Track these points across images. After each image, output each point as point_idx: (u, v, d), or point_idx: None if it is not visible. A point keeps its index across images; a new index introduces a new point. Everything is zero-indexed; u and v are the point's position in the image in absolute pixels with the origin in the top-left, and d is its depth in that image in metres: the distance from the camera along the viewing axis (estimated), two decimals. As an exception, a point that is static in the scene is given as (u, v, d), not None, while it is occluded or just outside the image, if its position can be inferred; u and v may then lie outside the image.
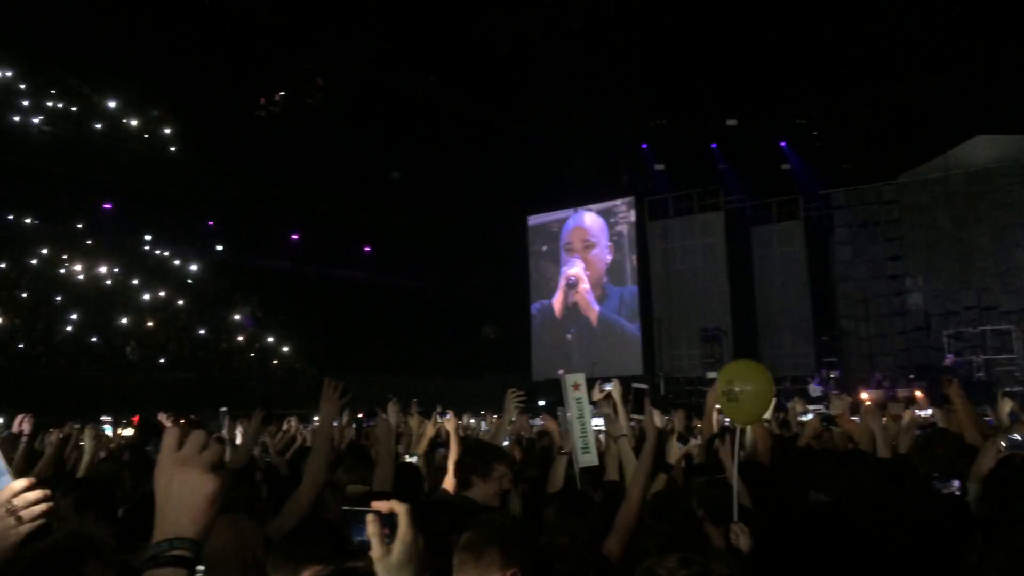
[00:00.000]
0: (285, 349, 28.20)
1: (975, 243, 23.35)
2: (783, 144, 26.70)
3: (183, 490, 1.32)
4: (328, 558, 2.31)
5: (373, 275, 34.40)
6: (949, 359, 20.96)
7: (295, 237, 33.47)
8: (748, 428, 5.67)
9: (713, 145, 27.37)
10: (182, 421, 4.98)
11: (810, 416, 8.86)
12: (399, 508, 1.66)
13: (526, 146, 29.15)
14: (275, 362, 27.54)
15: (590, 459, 5.11)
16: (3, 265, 25.29)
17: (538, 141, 29.48)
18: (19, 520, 1.43)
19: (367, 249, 35.09)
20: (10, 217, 27.13)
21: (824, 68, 23.66)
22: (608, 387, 6.30)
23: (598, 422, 5.57)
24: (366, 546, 1.66)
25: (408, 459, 5.92)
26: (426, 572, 1.72)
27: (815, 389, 20.94)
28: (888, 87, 24.03)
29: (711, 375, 22.48)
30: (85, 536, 2.10)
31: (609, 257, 28.48)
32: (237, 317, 28.44)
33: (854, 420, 6.41)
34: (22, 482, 1.47)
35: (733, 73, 24.33)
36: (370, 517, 1.64)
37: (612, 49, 24.41)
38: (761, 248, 26.85)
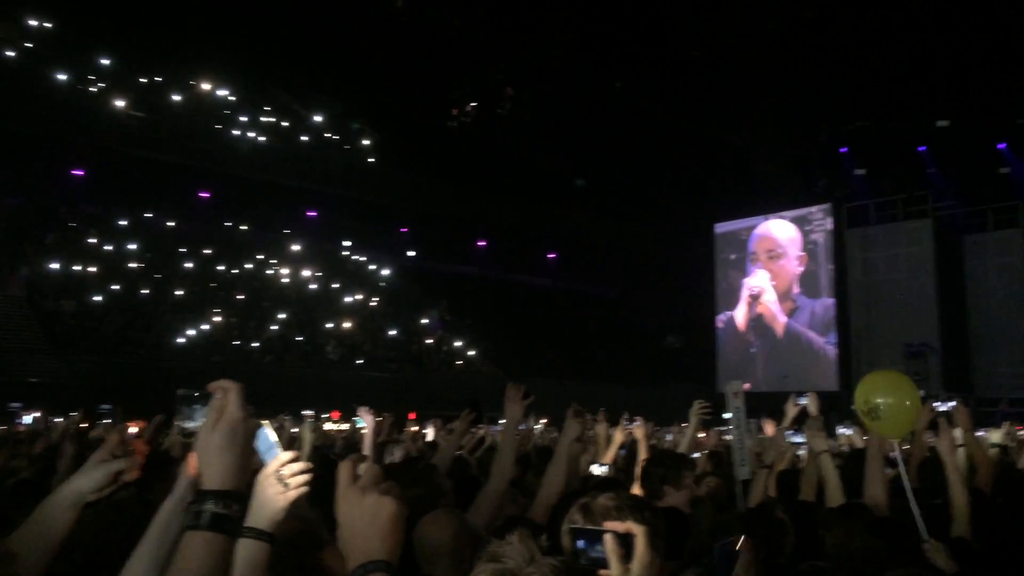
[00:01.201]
0: (471, 352, 29.02)
1: None
2: (1002, 146, 24.54)
3: (366, 516, 1.37)
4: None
5: (557, 281, 34.79)
6: None
7: (482, 244, 34.42)
8: (961, 451, 5.22)
9: (921, 148, 25.55)
10: (379, 418, 5.23)
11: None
12: (637, 529, 1.66)
13: (716, 151, 28.49)
14: (461, 363, 28.39)
15: (743, 473, 4.87)
16: (222, 268, 27.65)
17: (729, 146, 28.73)
18: (286, 487, 1.57)
19: (551, 255, 35.53)
20: (228, 224, 29.63)
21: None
22: (803, 401, 5.97)
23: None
24: (596, 564, 1.66)
25: (596, 469, 5.85)
26: None
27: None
28: None
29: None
30: (319, 521, 2.22)
31: (799, 267, 27.19)
32: (426, 320, 29.60)
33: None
34: (289, 454, 1.61)
35: (944, 71, 22.62)
36: (608, 536, 1.64)
37: (810, 49, 23.33)
38: (975, 259, 24.77)
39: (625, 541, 1.64)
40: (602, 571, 1.62)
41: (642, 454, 5.10)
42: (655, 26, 23.78)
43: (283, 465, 1.60)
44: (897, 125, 25.45)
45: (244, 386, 1.47)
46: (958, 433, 5.66)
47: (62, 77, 26.87)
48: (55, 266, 23.93)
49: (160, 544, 1.74)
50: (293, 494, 1.60)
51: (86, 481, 1.94)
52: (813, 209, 27.34)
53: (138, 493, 2.42)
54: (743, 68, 24.75)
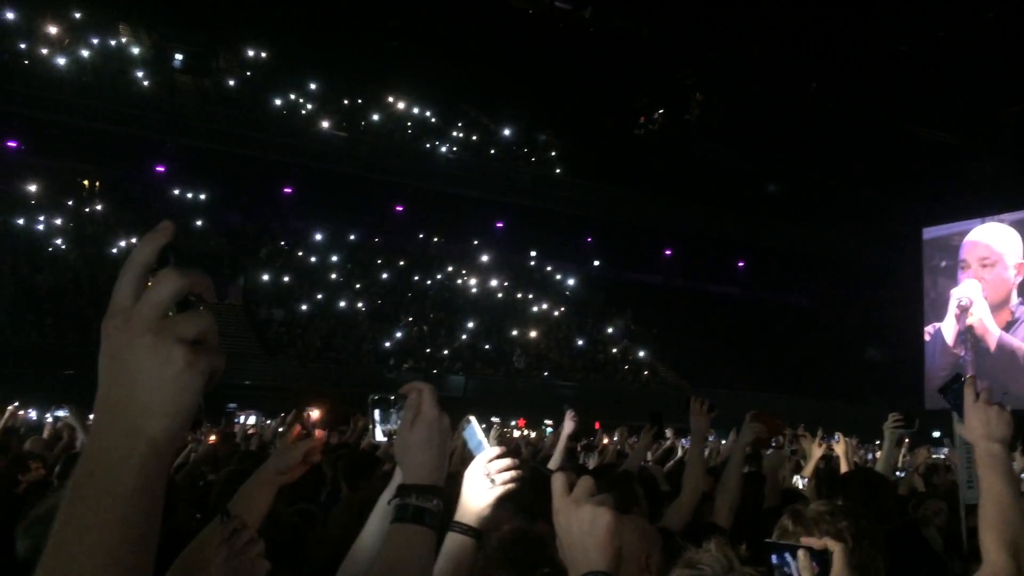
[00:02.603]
0: (657, 362, 28.69)
1: None
2: None
3: (582, 527, 1.38)
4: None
5: (746, 290, 33.74)
6: None
7: (668, 252, 33.97)
8: None
9: None
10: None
11: None
12: (834, 546, 1.65)
13: (924, 150, 26.63)
14: (646, 373, 28.11)
15: (972, 496, 4.33)
16: (415, 278, 28.95)
17: (939, 144, 26.75)
18: (492, 483, 1.66)
19: (741, 263, 34.50)
20: (421, 236, 30.99)
21: None
22: None
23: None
24: None
25: (800, 483, 5.66)
26: None
27: None
28: None
29: None
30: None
31: (1018, 276, 24.80)
32: (611, 330, 29.55)
33: None
34: (496, 450, 1.70)
35: None
36: (801, 553, 1.63)
37: (1028, 36, 21.32)
38: None
39: (822, 558, 1.57)
40: None
41: (844, 471, 4.84)
42: (855, 22, 22.56)
43: (490, 461, 1.66)
44: None
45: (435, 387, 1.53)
46: None
47: (276, 102, 29.25)
48: (267, 277, 25.96)
49: (380, 533, 1.86)
50: (500, 490, 1.66)
51: (277, 462, 2.12)
52: (1036, 210, 24.93)
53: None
54: (952, 61, 22.97)
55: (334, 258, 28.22)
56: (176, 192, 27.67)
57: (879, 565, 1.85)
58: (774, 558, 1.66)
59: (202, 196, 27.69)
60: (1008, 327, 24.87)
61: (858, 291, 29.94)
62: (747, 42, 24.34)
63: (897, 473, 7.20)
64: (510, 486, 1.67)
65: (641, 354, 28.86)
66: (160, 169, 27.64)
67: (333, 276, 27.42)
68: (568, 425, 5.04)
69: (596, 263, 33.25)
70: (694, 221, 32.04)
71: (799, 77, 25.91)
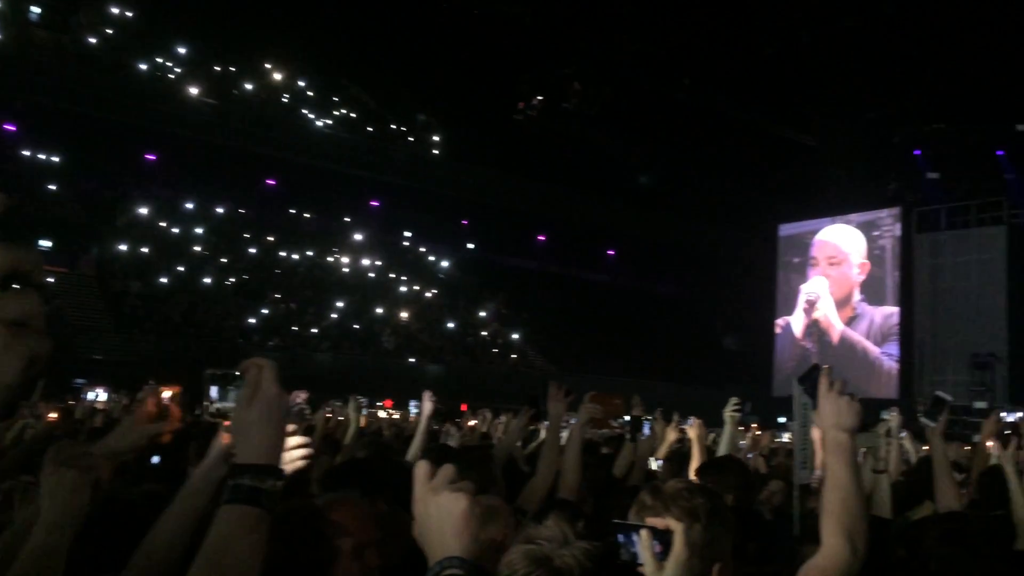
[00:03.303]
0: (527, 346, 29.08)
1: None
2: (1086, 152, 23.56)
3: (440, 513, 1.39)
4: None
5: (616, 278, 34.61)
6: None
7: (542, 238, 34.42)
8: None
9: (999, 152, 24.68)
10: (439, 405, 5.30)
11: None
12: (676, 526, 1.66)
13: (785, 151, 27.95)
14: (515, 357, 28.46)
15: (806, 476, 4.55)
16: (283, 254, 28.21)
17: (799, 146, 28.15)
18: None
19: (611, 252, 35.35)
20: (292, 212, 30.19)
21: None
22: (887, 415, 5.81)
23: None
24: (634, 560, 1.66)
25: (652, 464, 5.85)
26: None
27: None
28: None
29: (979, 405, 20.47)
30: None
31: (860, 276, 26.51)
32: (483, 313, 29.74)
33: None
34: (290, 427, 1.68)
35: (1026, 72, 21.80)
36: (643, 532, 1.65)
37: (886, 48, 22.72)
38: (1051, 268, 23.87)
39: (663, 538, 1.62)
40: (639, 568, 1.62)
41: (695, 455, 5.04)
42: (727, 22, 23.42)
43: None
44: (975, 128, 24.64)
45: (278, 365, 1.49)
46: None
47: (141, 65, 27.72)
48: (124, 248, 24.68)
49: (188, 509, 1.79)
50: (290, 467, 1.65)
51: (119, 441, 2.02)
52: (882, 213, 26.68)
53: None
54: (816, 67, 24.20)
55: (198, 230, 27.10)
56: (27, 153, 25.85)
57: (726, 543, 1.92)
58: (620, 537, 1.69)
59: (56, 159, 25.97)
60: (850, 322, 26.58)
61: (720, 282, 31.22)
62: (626, 35, 24.87)
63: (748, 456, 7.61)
64: (301, 463, 1.67)
65: (512, 338, 29.19)
66: (10, 128, 25.80)
67: (197, 249, 26.35)
68: (427, 406, 5.04)
69: (470, 246, 33.33)
70: (568, 208, 32.55)
71: (674, 72, 26.69)
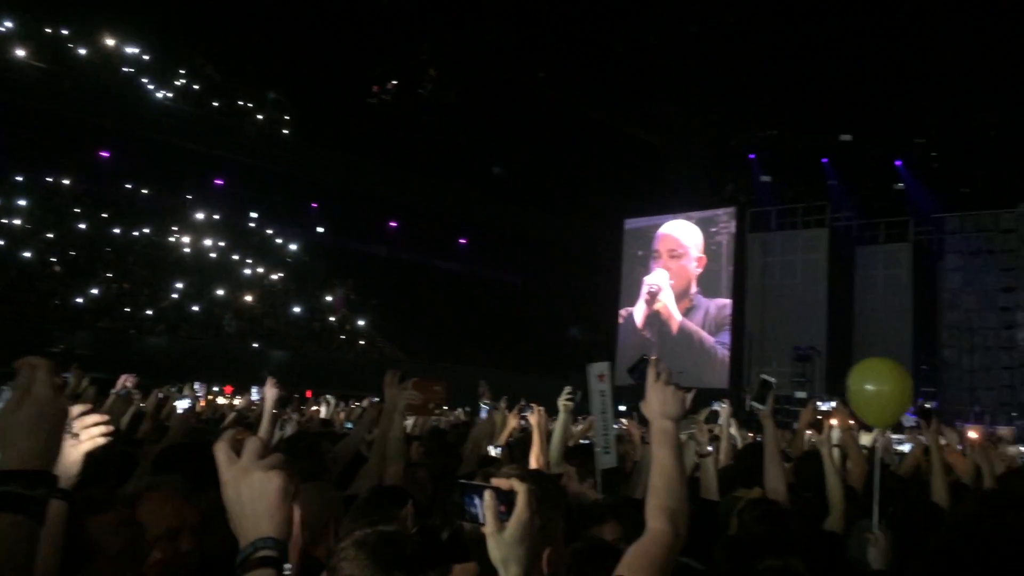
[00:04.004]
0: (375, 334, 28.76)
1: (1100, 281, 21.99)
2: (898, 163, 25.69)
3: (251, 494, 1.34)
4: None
5: (467, 267, 34.76)
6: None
7: (393, 224, 34.09)
8: (835, 449, 5.47)
9: (824, 160, 26.52)
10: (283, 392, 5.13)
11: (910, 446, 8.51)
12: (519, 487, 1.66)
13: (632, 148, 28.92)
14: (363, 344, 28.09)
15: (609, 460, 4.66)
16: (117, 231, 26.57)
17: (644, 144, 29.20)
18: (76, 437, 1.63)
19: (462, 241, 35.47)
20: (128, 186, 28.49)
21: (948, 86, 22.60)
22: (719, 406, 6.13)
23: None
24: (474, 520, 1.66)
25: (492, 451, 5.93)
26: (542, 551, 1.70)
27: (909, 419, 20.03)
28: (1016, 109, 22.80)
29: (800, 395, 21.88)
30: None
31: (698, 268, 27.90)
32: (330, 298, 29.16)
33: (959, 452, 6.11)
34: (81, 407, 1.66)
35: (851, 87, 23.52)
36: (488, 492, 1.64)
37: (728, 55, 23.91)
38: (865, 269, 25.89)
39: (507, 499, 1.64)
40: (482, 527, 1.63)
41: (535, 442, 5.16)
42: (581, 19, 23.93)
43: (77, 417, 1.63)
44: (803, 136, 26.37)
45: (55, 363, 1.40)
46: (836, 432, 5.94)
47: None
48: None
49: None
50: (87, 445, 1.64)
51: None
52: (719, 212, 28.07)
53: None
54: (663, 68, 25.16)
55: (22, 202, 25.09)
56: None
57: (558, 528, 1.97)
58: (465, 500, 1.69)
59: None
60: (687, 313, 27.87)
61: (568, 273, 31.95)
62: (483, 25, 24.96)
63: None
64: (99, 441, 1.64)
65: (360, 324, 28.78)
66: None
67: (18, 222, 24.40)
68: (270, 392, 4.92)
69: (320, 230, 32.58)
70: (421, 195, 32.37)
71: (529, 65, 27.06)
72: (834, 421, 6.07)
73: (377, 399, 5.38)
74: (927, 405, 21.64)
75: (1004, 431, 18.10)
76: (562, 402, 5.54)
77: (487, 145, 30.78)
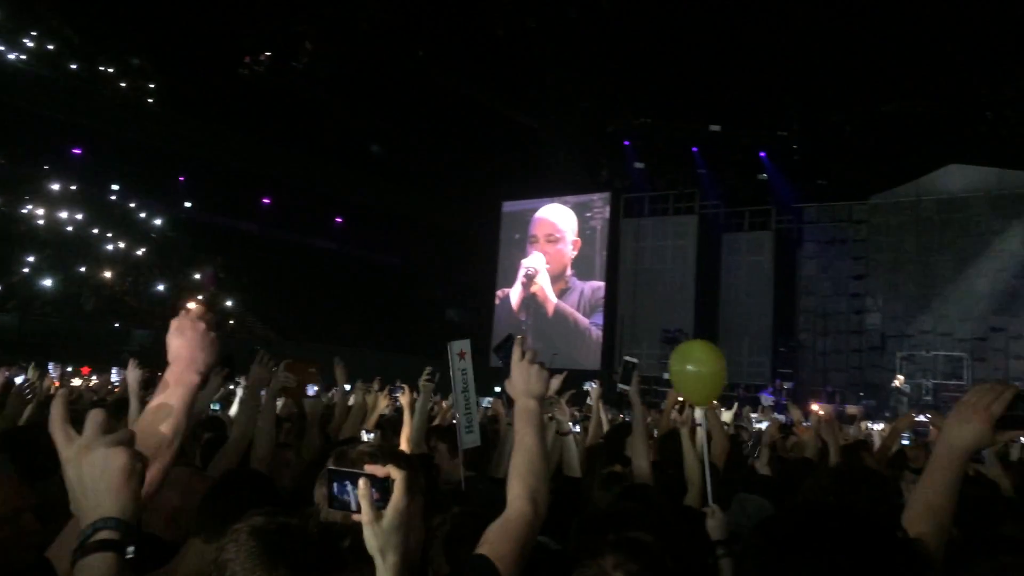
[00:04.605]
0: (245, 313, 27.91)
1: (938, 269, 23.72)
2: (762, 155, 26.85)
3: (93, 472, 1.28)
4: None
5: (342, 246, 34.16)
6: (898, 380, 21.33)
7: (266, 201, 33.08)
8: (700, 431, 5.70)
9: (694, 149, 27.44)
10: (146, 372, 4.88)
11: (766, 424, 8.94)
12: (396, 474, 1.62)
13: (510, 131, 29.03)
14: (232, 323, 27.21)
15: (473, 439, 4.58)
16: (-37, 200, 24.71)
17: (522, 127, 29.37)
18: None
19: (338, 220, 34.81)
20: (-25, 153, 26.47)
21: (810, 83, 23.79)
22: (590, 386, 6.26)
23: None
24: (346, 507, 1.62)
25: (364, 436, 5.85)
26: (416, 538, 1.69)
27: (767, 399, 21.13)
28: (871, 108, 24.24)
29: (667, 376, 22.63)
30: None
31: (574, 252, 28.47)
32: (198, 276, 28.07)
33: (808, 429, 6.47)
34: None
35: (721, 79, 24.37)
36: (363, 480, 1.60)
37: (605, 42, 24.34)
38: (730, 255, 27.03)
39: (382, 485, 1.61)
40: (354, 515, 1.60)
41: (406, 422, 5.15)
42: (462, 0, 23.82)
43: None
44: (675, 125, 27.19)
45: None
46: (699, 413, 6.19)
47: None
48: None
49: None
50: None
51: None
52: (594, 197, 28.66)
53: None
54: (541, 53, 25.37)
55: None
56: None
57: (419, 508, 1.97)
58: (335, 487, 1.64)
59: None
60: (562, 295, 28.39)
61: (445, 254, 31.89)
62: (362, 1, 24.46)
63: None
64: None
65: (228, 304, 27.83)
66: None
67: None
68: (133, 374, 4.70)
69: (187, 204, 31.22)
70: (296, 171, 31.49)
71: (408, 43, 26.71)
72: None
73: (223, 367, 5.17)
74: (785, 386, 22.88)
75: (853, 409, 19.26)
76: (422, 382, 5.56)
77: (365, 123, 30.23)
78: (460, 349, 4.79)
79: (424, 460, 4.43)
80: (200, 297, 26.83)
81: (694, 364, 4.21)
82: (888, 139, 24.08)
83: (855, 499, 3.16)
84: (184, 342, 1.90)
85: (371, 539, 1.58)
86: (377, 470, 1.63)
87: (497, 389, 18.65)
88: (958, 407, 1.91)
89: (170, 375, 1.83)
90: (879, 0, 20.38)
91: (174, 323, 1.89)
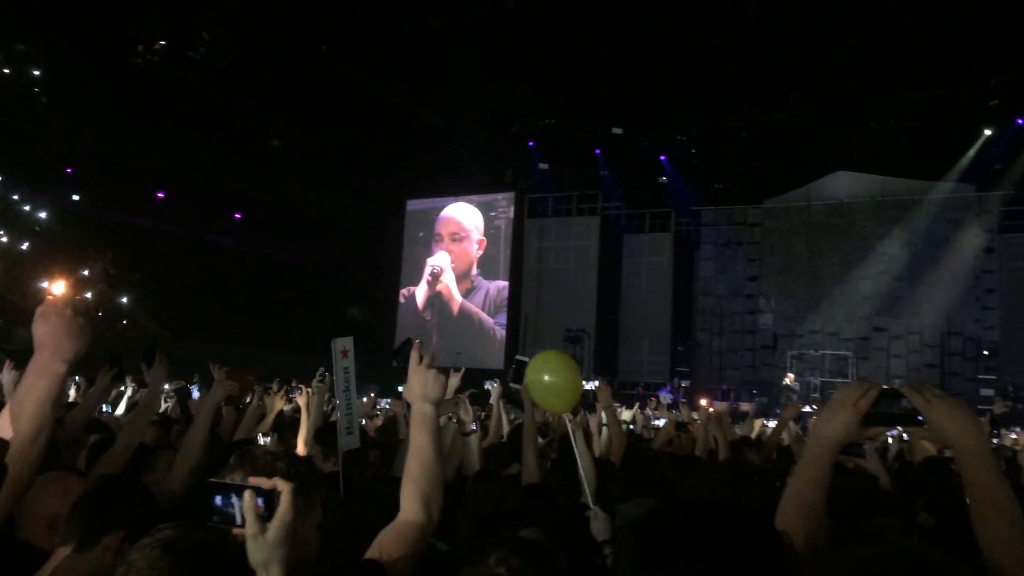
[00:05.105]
0: (138, 310, 26.89)
1: (825, 271, 24.81)
2: (663, 158, 27.48)
3: None
4: (131, 523, 2.17)
5: (241, 243, 33.30)
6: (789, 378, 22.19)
7: (161, 195, 31.94)
8: (604, 430, 5.83)
9: (597, 151, 27.87)
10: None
11: (664, 421, 9.18)
12: (284, 487, 1.60)
13: (415, 129, 28.84)
14: (124, 322, 26.20)
15: (352, 441, 4.50)
16: None
17: (427, 126, 29.22)
18: None
19: (237, 216, 33.91)
20: None
21: (708, 90, 24.48)
22: (491, 385, 6.29)
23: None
24: (229, 521, 1.58)
25: (261, 439, 5.74)
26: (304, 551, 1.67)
27: (665, 397, 21.70)
28: (766, 115, 25.11)
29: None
30: None
31: (479, 251, 28.56)
32: (87, 272, 26.88)
33: (700, 425, 6.68)
34: None
35: (624, 82, 24.81)
36: (248, 492, 1.57)
37: (511, 42, 24.46)
38: (631, 256, 27.59)
39: (268, 498, 1.59)
40: (236, 529, 1.56)
41: (304, 422, 5.09)
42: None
43: None
44: (579, 127, 27.56)
45: None
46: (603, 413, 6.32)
47: None
48: None
49: None
50: None
51: None
52: (499, 196, 28.80)
53: None
54: (448, 51, 25.30)
55: None
56: None
57: (316, 512, 1.95)
58: (218, 499, 1.60)
59: None
60: (467, 294, 28.43)
61: (348, 252, 31.47)
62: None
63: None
64: None
65: (122, 300, 26.77)
66: None
67: None
68: (8, 376, 4.49)
69: (75, 198, 29.84)
70: (192, 165, 30.48)
71: (311, 37, 26.22)
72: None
73: (111, 367, 4.96)
74: (682, 384, 23.49)
75: (747, 406, 19.95)
76: (315, 384, 5.52)
77: (266, 117, 29.53)
78: (343, 347, 4.74)
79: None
80: (88, 292, 25.73)
81: (550, 374, 4.27)
82: (781, 145, 25.02)
83: (732, 495, 3.29)
84: (49, 329, 1.81)
85: (254, 553, 1.55)
86: (263, 482, 1.60)
87: (399, 389, 18.57)
88: (828, 404, 2.01)
89: (34, 365, 1.74)
90: (772, 13, 21.14)
91: (39, 310, 1.81)
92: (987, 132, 22.87)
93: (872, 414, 1.89)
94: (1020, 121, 22.48)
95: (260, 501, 1.58)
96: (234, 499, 1.59)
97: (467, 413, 4.96)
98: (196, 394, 5.99)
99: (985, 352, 22.04)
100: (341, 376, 4.64)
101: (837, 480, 3.25)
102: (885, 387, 1.93)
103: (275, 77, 27.36)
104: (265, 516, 1.57)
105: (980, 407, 19.01)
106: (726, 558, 1.19)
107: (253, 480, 1.63)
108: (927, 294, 23.32)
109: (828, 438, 1.95)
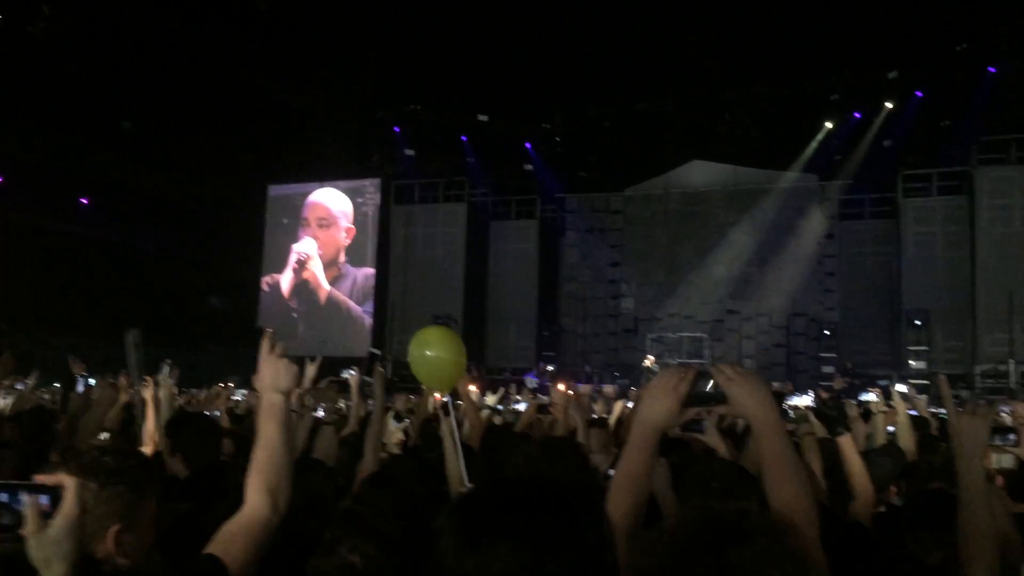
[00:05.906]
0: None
1: (683, 258, 25.86)
2: (528, 145, 27.80)
3: None
4: None
5: (89, 229, 31.45)
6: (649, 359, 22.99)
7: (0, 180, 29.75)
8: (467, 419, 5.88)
9: (463, 138, 27.90)
10: None
11: (525, 404, 9.34)
12: (68, 482, 1.58)
13: (276, 112, 27.99)
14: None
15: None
16: None
17: (290, 108, 28.43)
18: None
19: (84, 200, 32.00)
20: None
21: (573, 78, 24.95)
22: (349, 374, 6.23)
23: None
24: (20, 520, 1.53)
25: (102, 436, 5.48)
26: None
27: (531, 381, 22.09)
28: (626, 105, 25.81)
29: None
30: None
31: (347, 239, 28.13)
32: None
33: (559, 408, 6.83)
34: None
35: (489, 69, 24.91)
36: (29, 496, 1.54)
37: (376, 25, 24.12)
38: (497, 243, 27.83)
39: (53, 494, 1.56)
40: (21, 531, 1.51)
41: (149, 416, 4.89)
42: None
43: None
44: (445, 113, 27.51)
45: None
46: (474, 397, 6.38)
47: None
48: None
49: None
50: None
51: None
52: (366, 182, 28.41)
53: None
54: (310, 32, 24.69)
55: None
56: None
57: (132, 505, 1.88)
58: (4, 496, 1.55)
59: None
60: (335, 281, 27.98)
61: (205, 239, 30.30)
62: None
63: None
64: None
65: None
66: None
67: None
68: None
69: None
70: (31, 147, 28.47)
71: (163, 14, 25.01)
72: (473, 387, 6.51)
73: None
74: (548, 368, 23.95)
75: (608, 389, 20.54)
76: (161, 377, 5.38)
77: (114, 96, 27.91)
78: (136, 340, 4.67)
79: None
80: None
81: (433, 349, 4.27)
82: (641, 135, 25.80)
83: (547, 468, 3.38)
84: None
85: (36, 550, 1.53)
86: (47, 479, 1.58)
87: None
88: (649, 390, 2.11)
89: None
90: (633, 7, 21.77)
91: None
92: (828, 125, 24.33)
93: (691, 395, 2.00)
94: (858, 115, 24.06)
95: (47, 499, 1.56)
96: (22, 495, 1.55)
97: (332, 400, 4.90)
98: (81, 387, 5.72)
99: (826, 332, 23.52)
100: (135, 366, 4.53)
101: (701, 465, 3.39)
102: (698, 369, 2.04)
103: (124, 55, 25.92)
104: (49, 514, 1.55)
105: (822, 383, 20.38)
106: (540, 533, 1.23)
107: (38, 478, 1.61)
108: (775, 278, 24.67)
109: (651, 421, 2.03)
